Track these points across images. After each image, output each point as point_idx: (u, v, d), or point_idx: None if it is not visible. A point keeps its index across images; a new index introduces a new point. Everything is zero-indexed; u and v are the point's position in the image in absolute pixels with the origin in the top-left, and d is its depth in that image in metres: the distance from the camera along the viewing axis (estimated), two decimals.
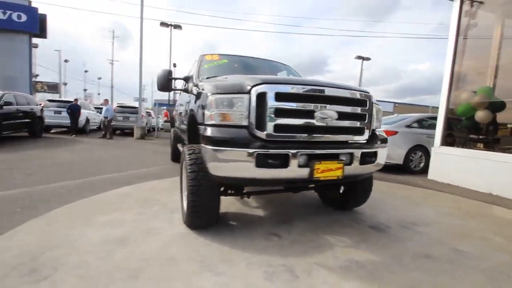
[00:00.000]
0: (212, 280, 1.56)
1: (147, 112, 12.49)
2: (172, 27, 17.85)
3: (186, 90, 2.97)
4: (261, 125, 1.78)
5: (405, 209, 3.05)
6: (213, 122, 1.85)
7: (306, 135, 1.87)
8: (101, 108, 12.12)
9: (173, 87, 2.96)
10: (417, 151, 5.66)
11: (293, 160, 1.77)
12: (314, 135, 1.89)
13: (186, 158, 2.06)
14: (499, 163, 3.92)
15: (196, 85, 2.78)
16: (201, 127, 1.94)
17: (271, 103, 1.77)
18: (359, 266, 1.78)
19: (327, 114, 1.88)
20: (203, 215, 2.06)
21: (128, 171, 4.44)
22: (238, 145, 1.75)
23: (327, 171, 1.86)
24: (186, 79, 2.99)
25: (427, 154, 5.54)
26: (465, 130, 4.78)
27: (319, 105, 1.87)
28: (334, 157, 1.92)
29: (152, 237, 2.07)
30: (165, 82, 2.94)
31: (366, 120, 2.09)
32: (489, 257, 1.98)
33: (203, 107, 1.93)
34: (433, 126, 5.81)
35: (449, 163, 4.63)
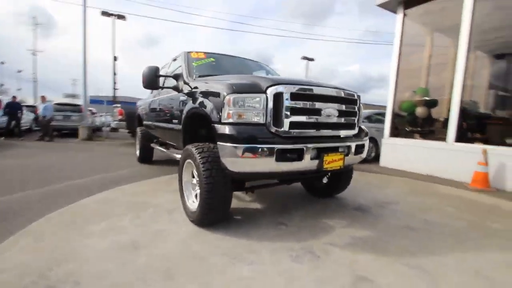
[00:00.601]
0: (247, 269, 1.66)
1: (90, 110, 11.20)
2: (116, 17, 16.21)
3: (176, 88, 2.88)
4: (277, 123, 1.92)
5: (375, 192, 3.55)
6: (231, 120, 1.91)
7: (314, 130, 2.08)
8: (35, 107, 10.38)
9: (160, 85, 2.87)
10: (369, 143, 6.50)
11: (307, 154, 1.97)
12: (321, 130, 2.11)
13: (197, 157, 2.07)
14: (434, 150, 4.83)
15: (187, 84, 2.75)
16: (217, 125, 1.97)
17: (287, 102, 1.92)
18: (362, 241, 2.08)
19: (331, 112, 2.12)
20: (218, 211, 2.11)
21: (94, 176, 4.03)
22: (259, 141, 1.85)
23: (333, 162, 2.10)
24: (176, 77, 2.91)
25: (377, 145, 6.41)
26: (408, 123, 5.69)
27: (324, 103, 2.10)
28: (336, 150, 2.18)
29: (164, 238, 2.03)
30: (153, 80, 2.82)
31: (357, 117, 2.40)
32: (450, 224, 2.51)
33: (219, 106, 1.97)
34: (379, 121, 6.76)
35: (397, 152, 5.47)
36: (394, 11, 5.57)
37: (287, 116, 1.93)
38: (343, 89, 2.28)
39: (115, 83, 16.81)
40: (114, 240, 1.98)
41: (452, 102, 4.60)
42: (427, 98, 5.33)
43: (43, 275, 1.52)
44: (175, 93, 2.99)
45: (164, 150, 3.97)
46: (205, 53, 3.31)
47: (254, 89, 1.93)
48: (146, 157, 5.17)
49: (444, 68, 6.05)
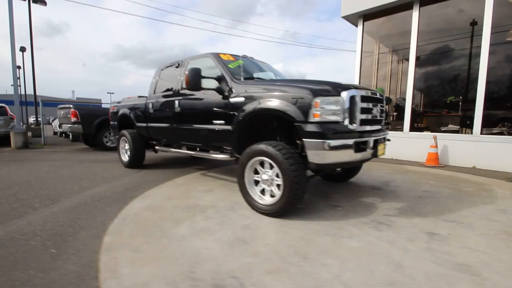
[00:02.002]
0: (353, 241, 2.02)
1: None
2: (32, 0, 13.40)
3: (219, 90, 2.95)
4: (352, 120, 2.33)
5: (370, 175, 4.32)
6: (317, 120, 2.22)
7: (369, 126, 2.57)
8: None
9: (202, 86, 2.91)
10: None
11: (370, 145, 2.44)
12: (372, 125, 2.61)
13: (279, 154, 2.30)
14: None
15: (234, 87, 2.87)
16: (303, 124, 2.25)
17: (359, 103, 2.34)
18: (403, 210, 2.69)
19: (378, 110, 2.65)
20: (300, 200, 2.39)
21: (94, 188, 3.64)
22: (342, 137, 2.23)
23: (381, 150, 2.64)
24: (219, 80, 2.97)
25: None
26: None
27: (374, 103, 2.61)
28: (382, 140, 2.73)
29: (258, 230, 2.20)
30: (197, 81, 2.86)
31: (384, 114, 3.01)
32: (441, 191, 3.39)
33: (305, 108, 2.24)
34: None
35: None
36: (355, 24, 6.59)
37: (358, 115, 2.36)
38: (378, 92, 2.83)
39: (34, 79, 14.00)
40: (217, 239, 2.06)
41: (406, 101, 5.83)
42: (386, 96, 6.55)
43: (190, 278, 1.57)
44: (211, 94, 3.05)
45: (180, 150, 3.90)
46: (232, 55, 3.42)
47: (333, 92, 2.28)
48: (138, 162, 4.82)
49: (385, 71, 7.49)
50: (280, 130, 2.86)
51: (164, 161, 5.85)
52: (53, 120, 12.38)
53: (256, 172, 2.65)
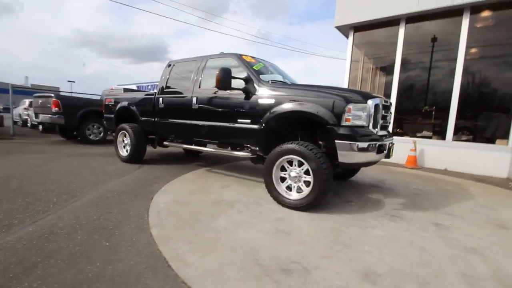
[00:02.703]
0: (378, 230, 2.32)
1: None
2: None
3: (246, 90, 3.08)
4: (375, 125, 2.64)
5: (364, 174, 4.76)
6: (349, 124, 2.49)
7: (385, 130, 2.91)
8: None
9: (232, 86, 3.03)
10: None
11: (387, 147, 2.78)
12: (385, 131, 2.96)
13: (311, 153, 2.53)
14: None
15: (261, 88, 3.04)
16: (336, 128, 2.50)
17: (380, 110, 2.66)
18: (406, 204, 3.09)
19: (389, 116, 3.01)
20: (326, 195, 2.64)
21: (106, 183, 3.55)
22: (369, 139, 2.52)
23: (391, 152, 3.01)
24: (246, 80, 3.10)
25: None
26: None
27: (387, 110, 2.96)
28: (392, 143, 3.09)
29: (293, 223, 2.40)
30: (228, 81, 2.98)
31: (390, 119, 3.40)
32: (428, 189, 3.89)
33: (338, 113, 2.49)
34: None
35: None
36: (346, 35, 7.08)
37: (379, 121, 2.67)
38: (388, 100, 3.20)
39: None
40: (259, 230, 2.22)
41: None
42: None
43: (257, 264, 1.73)
44: (235, 94, 3.18)
45: (193, 147, 3.97)
46: (252, 57, 3.56)
47: (362, 100, 2.56)
48: (138, 157, 4.72)
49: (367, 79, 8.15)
50: (301, 131, 3.09)
51: (159, 156, 5.75)
52: (15, 108, 11.19)
53: (282, 169, 2.85)
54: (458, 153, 5.49)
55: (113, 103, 5.06)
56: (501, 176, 5.06)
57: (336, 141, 2.52)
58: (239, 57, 3.40)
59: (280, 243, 2.01)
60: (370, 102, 2.59)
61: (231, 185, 3.59)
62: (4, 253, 1.70)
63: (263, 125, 2.97)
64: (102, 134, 7.35)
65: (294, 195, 2.77)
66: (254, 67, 3.30)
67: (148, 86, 33.53)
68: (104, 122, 5.43)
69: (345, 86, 7.22)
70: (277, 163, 2.80)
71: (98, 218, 2.31)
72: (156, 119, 4.25)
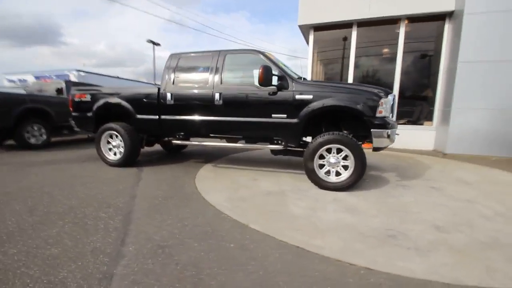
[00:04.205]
0: (405, 197, 3.00)
1: None
2: None
3: (282, 86, 3.27)
4: (392, 115, 3.28)
5: None
6: (381, 115, 3.04)
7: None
8: None
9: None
10: None
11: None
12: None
13: (353, 141, 3.00)
14: None
15: (289, 85, 3.30)
16: (372, 119, 3.02)
17: (395, 103, 3.31)
18: (400, 177, 3.95)
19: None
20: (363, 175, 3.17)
21: (127, 190, 3.18)
22: (391, 127, 3.14)
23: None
24: (281, 77, 3.26)
25: None
26: None
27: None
28: None
29: (347, 202, 2.84)
30: (270, 78, 3.13)
31: None
32: (402, 164, 4.96)
33: (374, 106, 3.00)
34: None
35: None
36: (307, 33, 7.79)
37: (394, 111, 3.34)
38: None
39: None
40: (335, 210, 2.57)
41: None
42: None
43: (380, 232, 2.10)
44: (268, 90, 3.33)
45: (210, 143, 3.87)
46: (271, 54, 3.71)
47: (385, 95, 3.14)
48: (133, 159, 4.26)
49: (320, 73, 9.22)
50: (325, 123, 3.52)
51: (141, 157, 5.22)
52: None
53: (320, 157, 3.22)
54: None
55: (89, 99, 4.29)
56: (429, 149, 6.78)
57: (372, 130, 3.05)
58: (264, 53, 3.52)
59: (362, 218, 2.42)
60: (390, 97, 3.21)
61: (257, 177, 3.75)
62: (150, 276, 1.53)
63: (301, 119, 3.26)
64: (45, 136, 6.00)
65: (333, 179, 3.20)
66: (280, 64, 3.49)
67: (51, 75, 27.74)
68: (73, 122, 4.54)
69: (309, 77, 8.00)
70: (319, 152, 3.15)
71: (184, 225, 2.19)
72: (161, 116, 3.91)
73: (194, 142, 4.05)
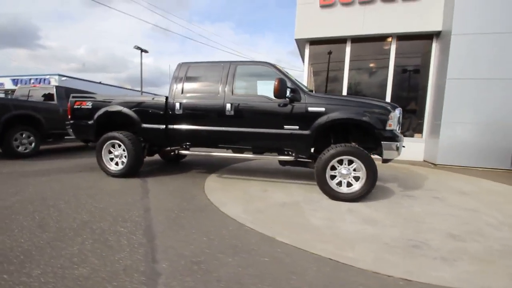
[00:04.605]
0: (415, 207, 3.11)
1: None
2: None
3: (295, 99, 3.33)
4: (398, 128, 3.42)
5: None
6: (390, 128, 3.17)
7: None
8: None
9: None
10: None
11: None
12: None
13: (364, 153, 3.09)
14: None
15: (301, 97, 3.38)
16: (382, 131, 3.13)
17: (401, 116, 3.47)
18: (402, 187, 4.10)
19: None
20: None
21: (139, 202, 3.07)
22: (399, 140, 3.28)
23: None
24: (294, 90, 3.33)
25: None
26: None
27: None
28: None
29: (362, 213, 2.91)
30: (285, 90, 3.19)
31: None
32: (399, 174, 5.15)
33: (384, 119, 3.12)
34: None
35: None
36: (303, 47, 8.03)
37: (399, 125, 3.49)
38: None
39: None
40: (352, 222, 2.61)
41: None
42: None
43: (402, 242, 2.15)
44: (280, 101, 3.39)
45: (221, 154, 3.86)
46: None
47: (393, 109, 3.29)
48: (136, 169, 4.13)
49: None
50: (334, 135, 3.62)
51: (143, 167, 5.06)
52: None
53: (331, 168, 3.29)
54: None
55: (89, 107, 4.14)
56: (419, 159, 7.10)
57: (382, 142, 3.17)
58: (275, 66, 3.59)
59: (381, 229, 2.47)
60: (397, 111, 3.36)
61: (267, 188, 3.75)
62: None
63: (312, 130, 3.32)
64: (34, 144, 5.67)
65: (344, 189, 3.26)
66: (290, 77, 3.57)
67: (30, 79, 26.43)
68: (71, 130, 4.34)
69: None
70: (331, 163, 3.22)
71: (210, 239, 2.14)
72: (169, 126, 3.84)
73: (201, 152, 4.00)
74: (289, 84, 3.41)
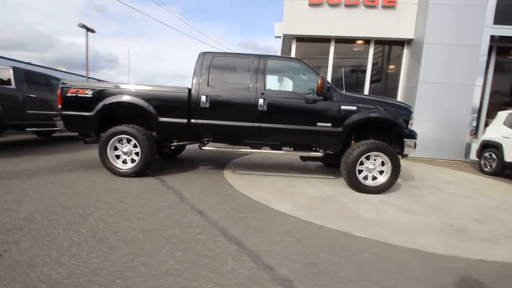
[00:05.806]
0: (431, 197, 3.57)
1: None
2: None
3: (329, 97, 3.43)
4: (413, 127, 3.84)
5: None
6: (411, 127, 3.53)
7: None
8: None
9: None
10: None
11: None
12: None
13: (391, 148, 3.41)
14: None
15: (334, 96, 3.52)
16: (405, 130, 3.48)
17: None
18: (407, 179, 4.62)
19: None
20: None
21: (175, 208, 2.81)
22: (416, 138, 3.67)
23: None
24: (328, 88, 3.41)
25: None
26: None
27: None
28: None
29: (394, 203, 3.21)
30: (326, 88, 3.26)
31: None
32: (409, 173, 5.76)
33: (407, 119, 3.46)
34: None
35: None
36: (290, 43, 8.14)
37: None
38: None
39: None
40: (394, 212, 2.88)
41: None
42: None
43: (446, 227, 2.47)
44: (314, 99, 3.46)
45: (248, 150, 3.75)
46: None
47: (412, 109, 3.65)
48: (148, 167, 3.71)
49: None
50: (356, 132, 3.86)
51: None
52: None
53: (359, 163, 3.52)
54: None
55: (89, 96, 3.51)
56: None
57: (405, 139, 3.51)
58: (305, 63, 3.61)
59: (420, 217, 2.80)
60: (411, 109, 3.76)
61: (293, 183, 3.80)
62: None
63: (344, 128, 3.49)
64: None
65: (370, 183, 3.54)
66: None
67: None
68: (61, 123, 3.62)
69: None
70: (360, 158, 3.44)
71: (296, 239, 2.11)
72: (192, 120, 3.53)
73: (225, 148, 3.81)
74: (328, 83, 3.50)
